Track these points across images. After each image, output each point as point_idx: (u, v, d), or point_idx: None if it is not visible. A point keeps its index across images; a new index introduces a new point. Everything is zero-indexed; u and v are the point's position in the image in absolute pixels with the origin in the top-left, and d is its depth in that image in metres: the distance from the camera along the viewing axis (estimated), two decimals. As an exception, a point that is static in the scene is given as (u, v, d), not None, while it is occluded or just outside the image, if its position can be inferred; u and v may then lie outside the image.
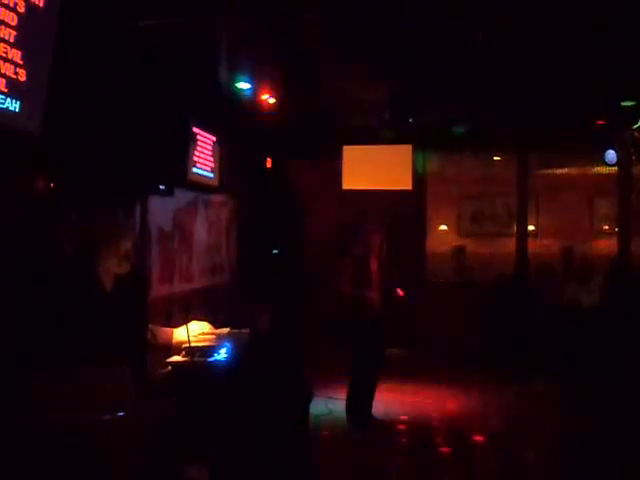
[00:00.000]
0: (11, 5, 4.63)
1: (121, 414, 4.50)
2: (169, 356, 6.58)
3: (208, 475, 5.84)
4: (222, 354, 6.47)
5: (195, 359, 6.31)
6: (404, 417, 8.45)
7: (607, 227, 13.20)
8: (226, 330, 7.44)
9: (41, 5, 4.93)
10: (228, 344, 6.63)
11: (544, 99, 10.41)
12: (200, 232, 9.20)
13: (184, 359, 6.38)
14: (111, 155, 6.33)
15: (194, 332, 6.89)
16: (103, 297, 5.60)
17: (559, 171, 13.21)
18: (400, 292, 8.65)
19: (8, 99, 4.68)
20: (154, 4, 6.85)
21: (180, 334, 6.68)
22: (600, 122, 11.50)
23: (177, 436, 5.51)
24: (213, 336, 7.09)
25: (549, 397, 9.58)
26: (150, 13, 6.85)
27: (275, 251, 11.06)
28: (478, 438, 7.04)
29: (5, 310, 4.68)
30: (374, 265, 8.47)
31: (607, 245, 12.80)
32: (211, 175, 9.26)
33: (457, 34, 7.96)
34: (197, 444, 5.80)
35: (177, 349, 6.60)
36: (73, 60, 5.54)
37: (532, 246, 12.82)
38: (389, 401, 9.06)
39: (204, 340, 6.84)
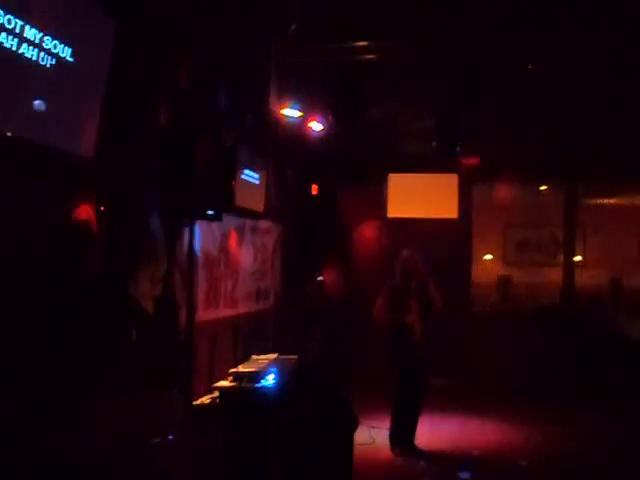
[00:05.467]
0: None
1: (170, 437, 4.51)
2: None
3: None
4: (269, 380, 6.45)
5: (242, 384, 6.31)
6: (448, 448, 8.36)
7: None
8: (273, 356, 7.43)
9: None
10: (275, 370, 6.62)
11: (592, 128, 10.31)
12: (246, 257, 9.21)
13: (231, 384, 6.38)
14: (160, 180, 6.38)
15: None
16: (147, 321, 5.64)
17: (607, 200, 13.03)
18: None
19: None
20: (204, 33, 6.93)
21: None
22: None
23: (224, 460, 5.51)
24: (261, 362, 7.09)
25: (596, 429, 9.42)
26: (200, 41, 6.94)
27: (320, 278, 11.04)
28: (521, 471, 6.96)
29: (50, 335, 4.68)
30: (412, 291, 8.36)
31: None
32: (258, 201, 9.32)
33: (507, 64, 7.94)
34: (243, 469, 5.78)
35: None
36: (124, 86, 5.62)
37: (579, 276, 12.61)
38: (433, 431, 8.95)
39: (251, 366, 6.83)
